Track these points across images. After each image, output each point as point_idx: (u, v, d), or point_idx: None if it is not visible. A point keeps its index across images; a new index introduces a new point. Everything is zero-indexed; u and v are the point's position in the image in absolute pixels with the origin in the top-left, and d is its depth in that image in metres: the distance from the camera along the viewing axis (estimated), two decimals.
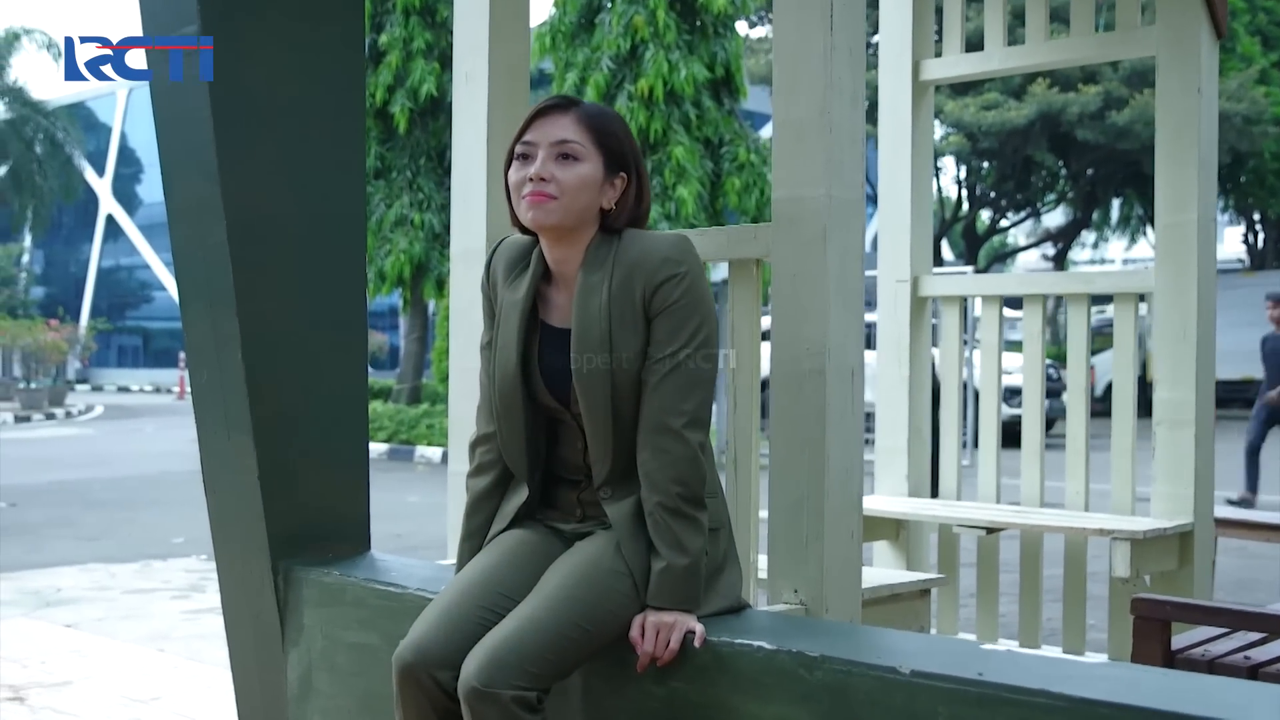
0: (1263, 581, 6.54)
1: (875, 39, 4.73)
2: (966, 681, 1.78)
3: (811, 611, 2.46)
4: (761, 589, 2.72)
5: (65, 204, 38.35)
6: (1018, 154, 22.70)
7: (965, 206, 26.20)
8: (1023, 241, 34.14)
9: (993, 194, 25.94)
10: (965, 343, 5.64)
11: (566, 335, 2.15)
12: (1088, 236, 32.58)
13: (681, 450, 2.08)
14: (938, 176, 22.80)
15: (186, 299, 2.88)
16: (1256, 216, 26.92)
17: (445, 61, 15.34)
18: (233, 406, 2.76)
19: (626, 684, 2.14)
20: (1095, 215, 28.46)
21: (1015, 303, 4.75)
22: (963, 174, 25.76)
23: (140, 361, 43.59)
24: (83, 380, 38.09)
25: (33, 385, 26.01)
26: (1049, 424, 4.62)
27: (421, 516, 8.87)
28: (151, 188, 40.68)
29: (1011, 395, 10.27)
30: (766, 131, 18.50)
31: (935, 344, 4.95)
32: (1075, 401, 4.41)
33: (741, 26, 17.55)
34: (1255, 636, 2.89)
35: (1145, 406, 4.29)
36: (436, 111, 15.91)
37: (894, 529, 4.44)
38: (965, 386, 8.43)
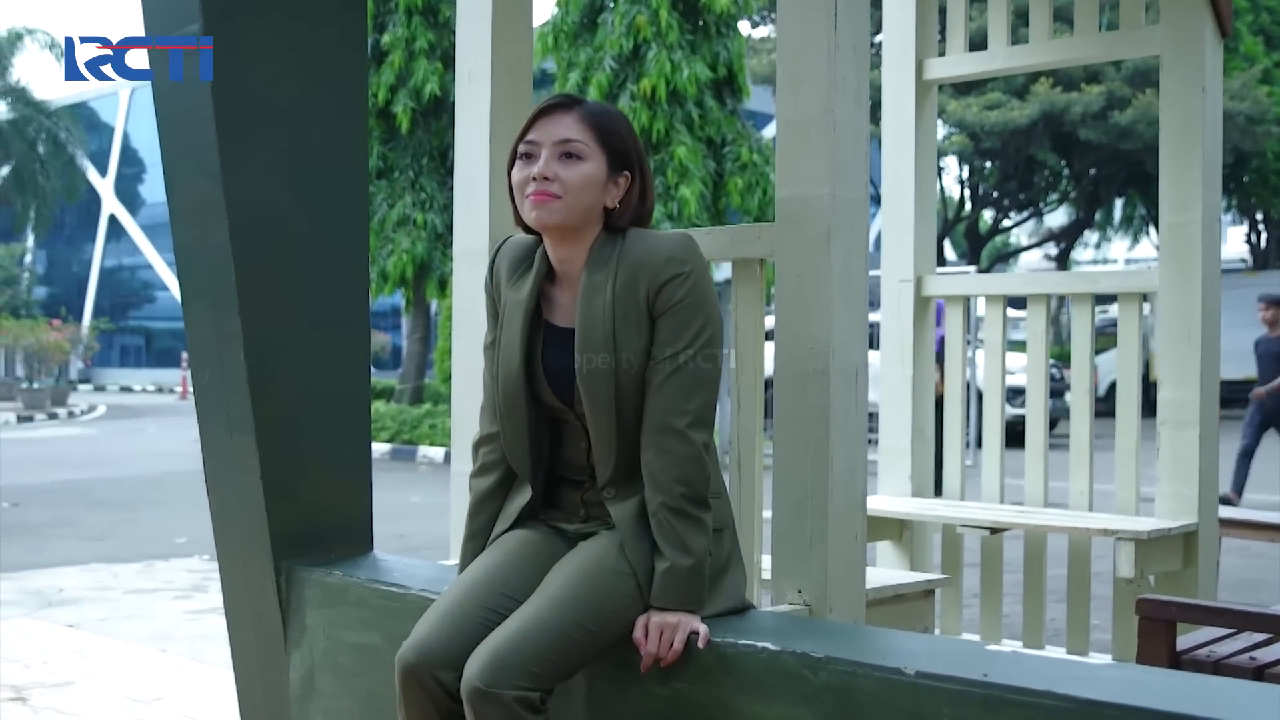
0: (1267, 582, 6.53)
1: (879, 38, 4.72)
2: (972, 683, 1.77)
3: (815, 612, 2.46)
4: (765, 589, 2.71)
5: (68, 204, 38.37)
6: (1020, 154, 22.69)
7: (968, 206, 26.19)
8: (1025, 241, 34.13)
9: (995, 194, 25.93)
10: (968, 343, 5.63)
11: (570, 335, 2.15)
12: (1090, 236, 32.60)
13: (685, 450, 2.07)
14: (940, 176, 22.79)
15: (189, 299, 2.87)
16: (1259, 216, 26.89)
17: (448, 61, 15.34)
18: (235, 406, 2.75)
19: (630, 685, 2.13)
20: (1098, 215, 28.47)
21: (1017, 303, 4.74)
22: (965, 174, 25.75)
23: (143, 361, 43.62)
24: (85, 380, 38.11)
25: (35, 385, 26.04)
26: (1051, 424, 4.61)
27: (424, 517, 8.87)
28: (154, 188, 40.70)
29: (1014, 395, 10.28)
30: (769, 131, 18.54)
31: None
32: (1079, 401, 4.40)
33: (744, 26, 17.56)
34: (1260, 637, 2.88)
35: (1147, 406, 4.28)
36: (439, 111, 15.91)
37: (897, 529, 4.43)
38: (968, 387, 8.42)
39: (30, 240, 40.71)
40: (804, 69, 2.50)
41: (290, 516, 2.79)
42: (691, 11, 14.14)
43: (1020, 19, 5.93)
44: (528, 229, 2.20)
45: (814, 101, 2.48)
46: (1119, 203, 28.83)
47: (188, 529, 8.49)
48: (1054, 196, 26.65)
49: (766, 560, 2.71)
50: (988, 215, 27.36)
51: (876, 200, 5.54)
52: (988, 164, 24.50)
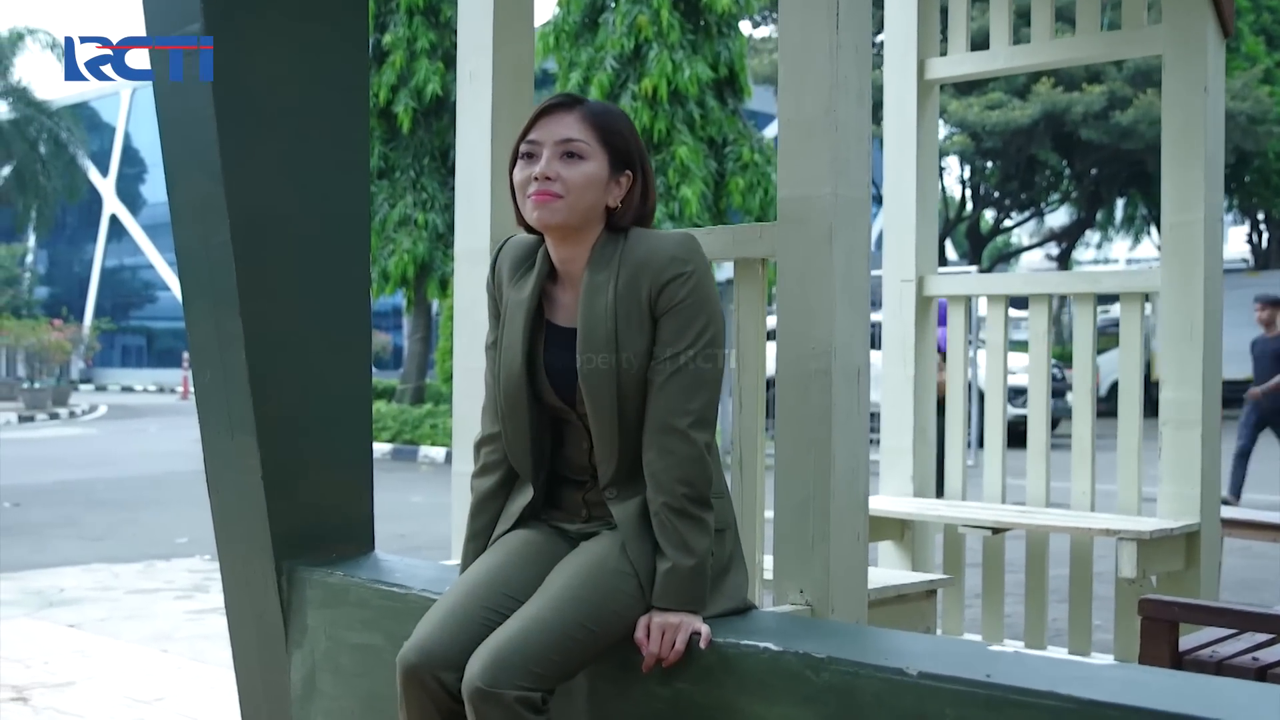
0: (1268, 582, 6.53)
1: (880, 38, 4.71)
2: (975, 683, 1.77)
3: (817, 612, 2.45)
4: (767, 590, 2.71)
5: (69, 204, 38.40)
6: (1021, 154, 22.69)
7: (969, 206, 26.18)
8: (1026, 241, 34.13)
9: (996, 194, 25.93)
10: (970, 342, 5.62)
11: (572, 335, 2.14)
12: (1091, 236, 32.60)
13: (687, 450, 2.07)
14: (941, 176, 22.77)
15: (190, 299, 2.87)
16: (1261, 216, 26.88)
17: (449, 61, 15.34)
18: (236, 406, 2.75)
19: (631, 685, 2.13)
20: (1099, 215, 28.46)
21: (1019, 303, 4.73)
22: (966, 174, 25.75)
23: (144, 361, 43.64)
24: (86, 380, 38.13)
25: (37, 385, 26.05)
26: (1053, 424, 4.61)
27: (425, 517, 8.87)
28: (155, 188, 40.72)
29: (1015, 395, 10.26)
30: (770, 131, 18.54)
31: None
32: (1081, 401, 4.40)
33: (745, 26, 17.56)
34: (1263, 638, 2.88)
35: (1148, 406, 4.27)
36: (440, 111, 15.91)
37: (899, 529, 4.42)
38: (970, 386, 8.41)
39: (32, 240, 40.74)
40: (806, 68, 2.49)
41: (291, 516, 2.79)
42: (693, 11, 14.14)
43: (1022, 19, 5.93)
44: (530, 229, 2.20)
45: (816, 101, 2.47)
46: (1120, 203, 28.82)
47: (189, 529, 8.49)
48: (1055, 196, 26.65)
49: (768, 560, 2.71)
50: (989, 215, 27.37)
51: (878, 200, 5.54)
52: (989, 164, 24.50)
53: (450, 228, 14.88)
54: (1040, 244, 31.54)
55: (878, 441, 4.59)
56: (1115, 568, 3.91)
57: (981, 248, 27.10)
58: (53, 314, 33.95)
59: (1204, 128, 4.04)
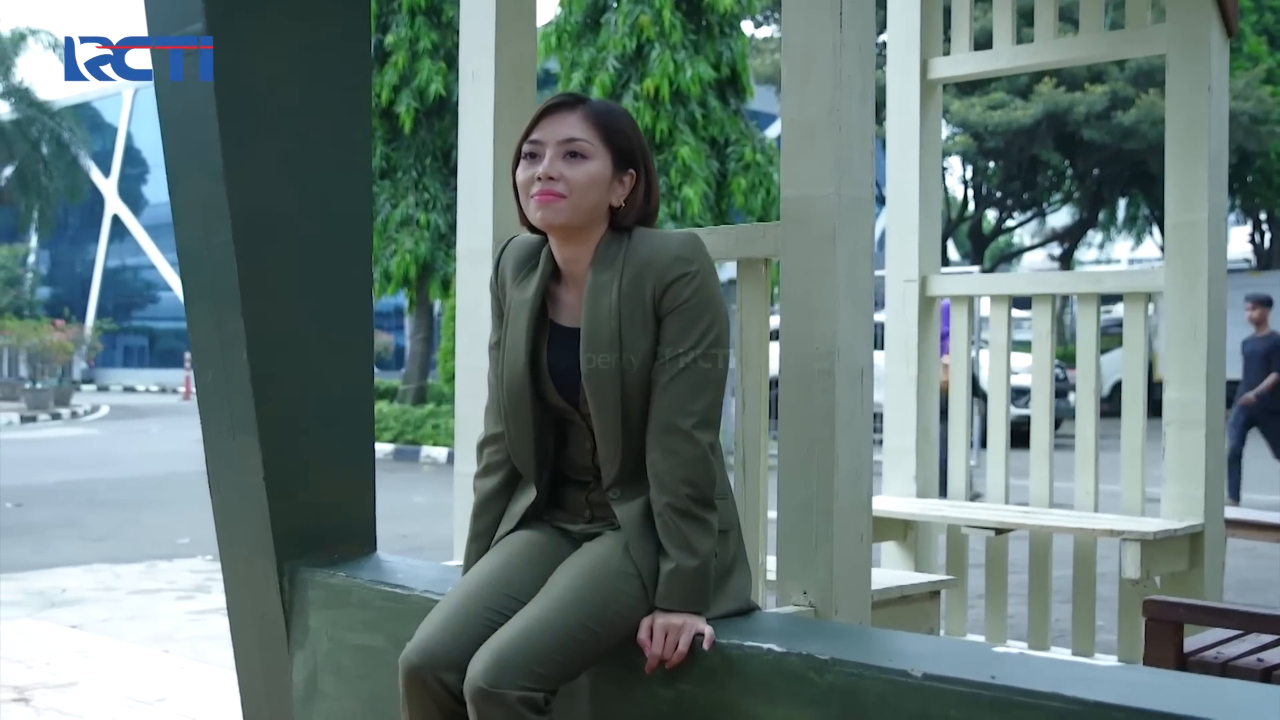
0: (1271, 582, 6.52)
1: (883, 38, 4.71)
2: (979, 685, 1.76)
3: (821, 613, 2.45)
4: (770, 591, 2.71)
5: (71, 204, 38.38)
6: (1023, 154, 22.68)
7: (971, 206, 26.17)
8: (1028, 242, 34.11)
9: (998, 194, 25.92)
10: (972, 343, 5.62)
11: (576, 335, 2.14)
12: (1093, 236, 32.56)
13: (691, 451, 2.06)
14: (943, 177, 22.75)
15: (191, 299, 2.87)
16: (1263, 216, 26.85)
17: (451, 61, 15.35)
18: (237, 407, 2.74)
19: (634, 686, 2.12)
20: (1101, 215, 28.42)
21: (1021, 303, 4.73)
22: (968, 174, 25.73)
23: (146, 362, 43.64)
24: (88, 380, 38.14)
25: (38, 385, 26.06)
26: (1055, 424, 4.60)
27: (427, 517, 8.86)
28: (157, 188, 40.73)
29: (1018, 395, 10.25)
30: (772, 131, 18.53)
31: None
32: (1085, 401, 4.39)
33: (747, 26, 17.55)
34: (1268, 639, 2.87)
35: (1150, 406, 4.26)
36: (442, 111, 15.91)
37: (902, 530, 4.42)
38: (973, 386, 8.39)
39: (34, 241, 40.76)
40: (809, 67, 2.48)
41: (293, 517, 2.79)
42: (695, 11, 14.13)
43: (1025, 18, 5.92)
44: (533, 229, 2.19)
45: (819, 100, 2.46)
46: (1122, 203, 28.79)
47: (191, 529, 8.49)
48: (1057, 196, 26.63)
49: (771, 561, 2.70)
50: (991, 215, 27.34)
51: (880, 200, 5.53)
52: (991, 164, 24.48)
53: (452, 228, 14.90)
54: (1042, 244, 31.53)
55: (880, 442, 4.58)
56: (1119, 568, 3.90)
57: (983, 248, 27.08)
58: (55, 314, 33.95)
59: (1208, 127, 4.03)
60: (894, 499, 4.50)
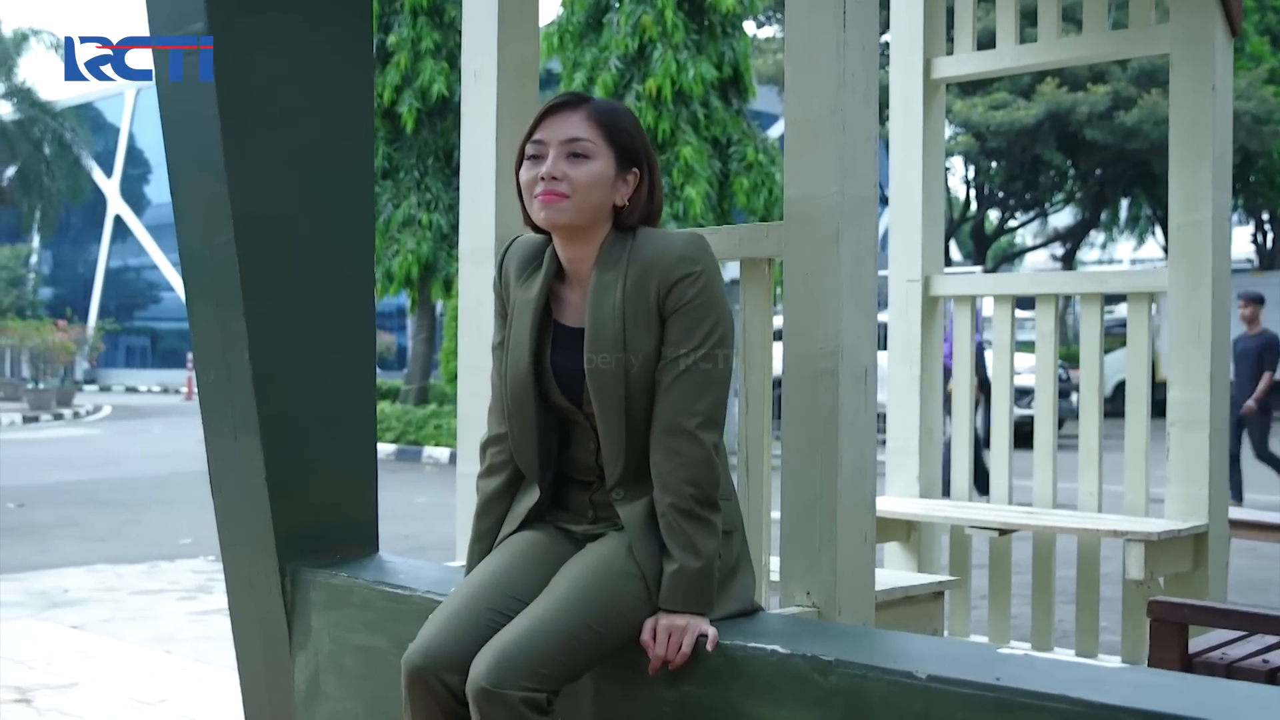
0: (1275, 583, 6.52)
1: (886, 37, 4.71)
2: (983, 686, 1.75)
3: (824, 614, 2.44)
4: (774, 591, 2.70)
5: (73, 205, 38.38)
6: (1026, 154, 22.66)
7: (973, 206, 26.15)
8: (1031, 242, 34.09)
9: (1001, 194, 25.90)
10: (976, 343, 5.61)
11: (580, 335, 2.13)
12: (1096, 236, 32.52)
13: (695, 451, 2.05)
14: (946, 176, 22.74)
15: (193, 299, 2.86)
16: (1266, 216, 26.82)
17: (453, 61, 15.36)
18: (240, 407, 2.74)
19: (638, 687, 2.11)
20: (1104, 215, 28.39)
21: (1024, 303, 4.72)
22: (971, 174, 25.72)
23: (148, 362, 43.66)
24: (90, 381, 38.16)
25: (41, 386, 26.08)
26: (1059, 424, 4.59)
27: (429, 518, 8.86)
28: (159, 188, 40.73)
29: (1021, 395, 10.24)
30: (774, 131, 18.51)
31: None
32: (1088, 402, 4.38)
33: (749, 26, 17.54)
34: (1273, 639, 2.87)
35: (1153, 406, 4.25)
36: (444, 111, 15.92)
37: (905, 530, 4.41)
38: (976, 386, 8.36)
39: (36, 241, 40.79)
40: (812, 67, 2.48)
41: (295, 517, 2.78)
42: (697, 11, 14.13)
43: (1028, 18, 5.91)
44: (537, 229, 2.19)
45: (822, 99, 2.46)
46: (1125, 203, 28.76)
47: (193, 530, 8.49)
48: (1059, 196, 26.61)
49: (775, 562, 2.69)
50: (993, 215, 27.32)
51: (883, 200, 5.53)
52: (993, 164, 24.47)
53: (454, 228, 14.90)
54: (1044, 244, 31.52)
55: (883, 442, 4.57)
56: (1122, 569, 3.89)
57: (986, 248, 27.06)
58: (57, 315, 33.97)
59: (1212, 127, 4.03)
60: (897, 499, 4.50)
